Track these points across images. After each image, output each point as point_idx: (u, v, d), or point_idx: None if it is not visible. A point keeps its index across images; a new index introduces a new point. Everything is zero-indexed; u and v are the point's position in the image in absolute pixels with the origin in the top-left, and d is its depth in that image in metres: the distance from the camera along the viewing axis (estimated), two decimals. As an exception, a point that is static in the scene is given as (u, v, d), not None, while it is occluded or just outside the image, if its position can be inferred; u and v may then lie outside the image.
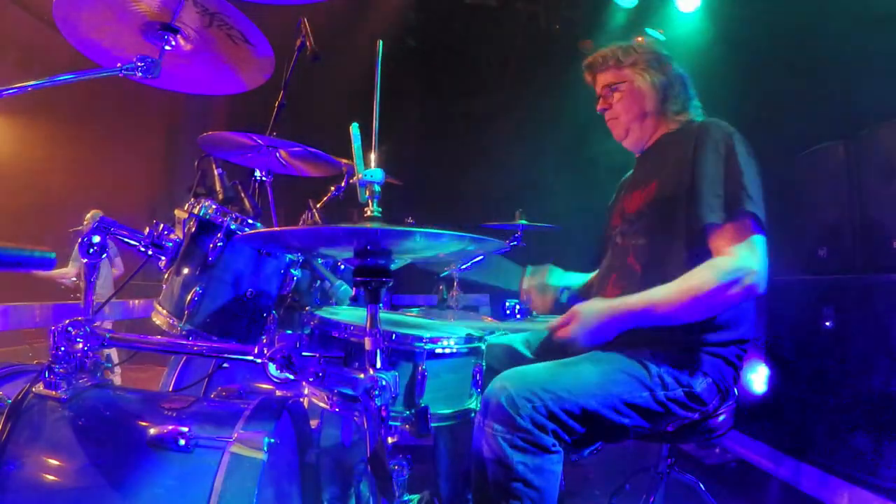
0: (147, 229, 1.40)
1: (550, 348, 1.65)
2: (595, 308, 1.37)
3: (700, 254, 1.38)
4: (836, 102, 3.11)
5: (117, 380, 3.70)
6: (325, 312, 1.44)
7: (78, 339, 1.18)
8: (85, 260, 1.27)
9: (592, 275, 1.86)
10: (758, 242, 1.35)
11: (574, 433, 1.28)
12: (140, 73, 1.28)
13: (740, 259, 1.32)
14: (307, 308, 1.54)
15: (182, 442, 1.04)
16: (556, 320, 1.39)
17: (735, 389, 1.50)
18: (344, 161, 2.07)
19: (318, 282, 1.63)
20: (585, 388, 1.30)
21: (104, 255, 1.29)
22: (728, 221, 1.34)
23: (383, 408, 1.05)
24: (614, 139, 1.76)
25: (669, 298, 1.34)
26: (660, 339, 1.41)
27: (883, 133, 2.52)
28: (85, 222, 1.27)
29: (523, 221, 3.06)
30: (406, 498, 1.57)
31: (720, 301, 1.33)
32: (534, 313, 2.88)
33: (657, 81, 1.62)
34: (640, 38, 1.69)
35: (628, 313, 1.35)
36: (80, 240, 1.26)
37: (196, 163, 1.50)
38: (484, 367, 1.38)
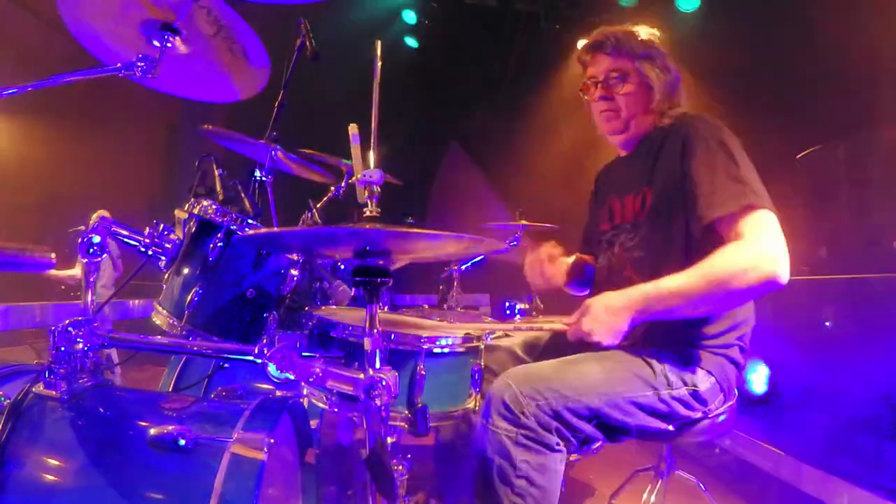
0: (147, 229, 1.40)
1: (550, 352, 1.64)
2: (607, 299, 1.29)
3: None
4: (836, 102, 3.11)
5: (117, 380, 3.70)
6: (325, 312, 1.44)
7: (78, 339, 1.18)
8: (85, 260, 1.27)
9: (576, 256, 1.82)
10: (773, 225, 1.27)
11: (578, 432, 1.28)
12: (140, 73, 1.28)
13: (757, 242, 1.24)
14: (307, 308, 1.54)
15: (182, 442, 1.04)
16: (570, 318, 1.32)
17: (736, 389, 1.50)
18: (343, 161, 2.07)
19: (318, 282, 1.63)
20: (590, 386, 1.29)
21: (105, 255, 1.29)
22: (737, 210, 1.27)
23: (383, 408, 1.05)
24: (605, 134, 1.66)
25: (688, 285, 1.25)
26: (664, 337, 1.41)
27: (883, 133, 2.53)
28: (91, 223, 1.27)
29: (523, 221, 3.07)
30: (405, 498, 1.57)
31: (738, 288, 1.23)
32: (534, 313, 2.89)
33: (666, 80, 1.55)
34: (650, 34, 1.62)
35: (644, 302, 1.27)
36: (80, 240, 1.26)
37: (196, 163, 1.50)
38: (483, 368, 1.38)
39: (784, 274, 1.23)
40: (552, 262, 1.70)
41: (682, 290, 1.26)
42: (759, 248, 1.24)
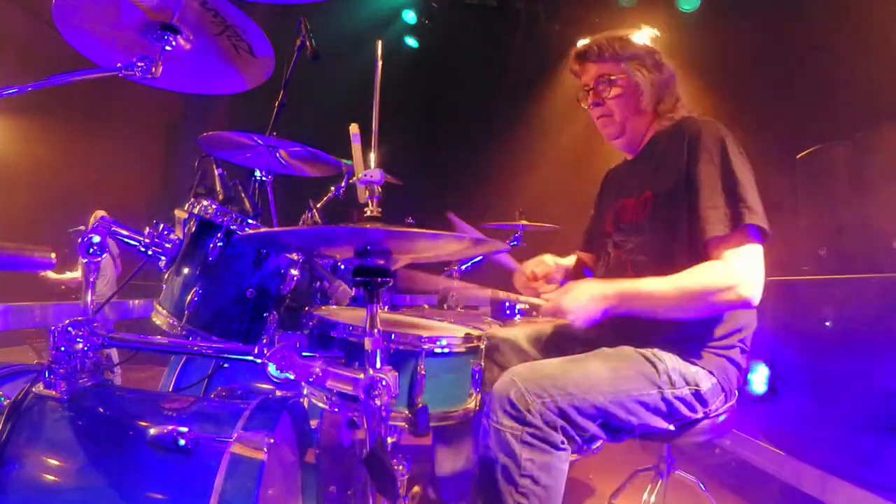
0: (147, 229, 1.40)
1: (554, 345, 1.65)
2: (590, 286, 1.40)
3: None
4: (836, 102, 3.11)
5: (117, 380, 3.70)
6: (325, 312, 1.44)
7: (78, 339, 1.18)
8: (85, 260, 1.27)
9: (576, 256, 1.89)
10: (756, 253, 1.34)
11: (583, 431, 1.28)
12: (140, 73, 1.27)
13: (736, 267, 1.31)
14: (307, 308, 1.53)
15: (182, 442, 1.04)
16: (549, 294, 1.43)
17: (736, 391, 1.50)
18: (344, 161, 2.07)
19: (318, 282, 1.63)
20: (596, 384, 1.30)
21: (104, 255, 1.28)
22: (729, 232, 1.33)
23: (383, 408, 1.05)
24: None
25: (661, 290, 1.34)
26: (667, 337, 1.42)
27: (883, 133, 2.53)
28: (90, 223, 1.27)
29: (523, 221, 3.07)
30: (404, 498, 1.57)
31: (710, 303, 1.33)
32: (533, 313, 2.89)
33: (655, 79, 1.56)
34: (635, 34, 1.64)
35: (619, 297, 1.36)
36: (79, 240, 1.26)
37: (196, 163, 1.50)
38: (483, 365, 1.38)
39: (756, 298, 1.31)
40: (534, 280, 1.74)
41: (656, 296, 1.34)
42: (737, 271, 1.31)
